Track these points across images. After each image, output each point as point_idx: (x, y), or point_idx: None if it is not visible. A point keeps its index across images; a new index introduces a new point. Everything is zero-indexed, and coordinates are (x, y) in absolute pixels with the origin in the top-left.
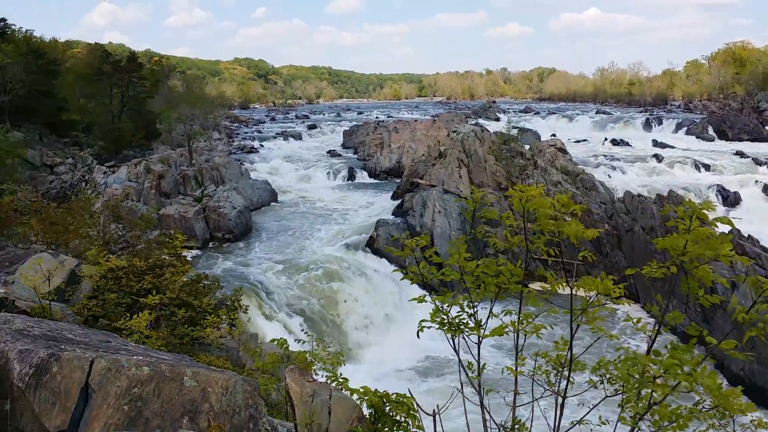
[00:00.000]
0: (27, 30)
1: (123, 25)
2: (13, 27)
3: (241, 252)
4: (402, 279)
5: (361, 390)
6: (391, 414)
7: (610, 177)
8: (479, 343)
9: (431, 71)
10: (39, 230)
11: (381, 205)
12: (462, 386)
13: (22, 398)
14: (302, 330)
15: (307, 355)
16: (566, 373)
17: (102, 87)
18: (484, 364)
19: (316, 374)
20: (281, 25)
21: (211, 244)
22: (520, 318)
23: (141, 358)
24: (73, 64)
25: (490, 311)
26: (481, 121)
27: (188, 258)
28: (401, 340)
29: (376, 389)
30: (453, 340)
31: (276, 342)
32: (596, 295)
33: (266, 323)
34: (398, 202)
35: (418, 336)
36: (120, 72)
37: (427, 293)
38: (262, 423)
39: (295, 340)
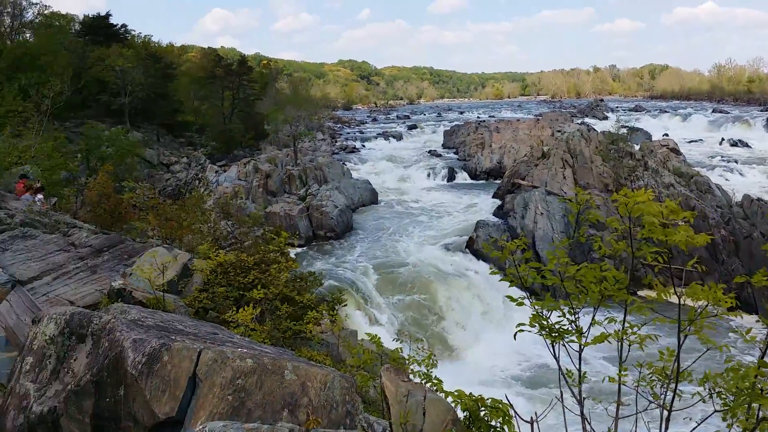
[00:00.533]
0: (146, 35)
1: (234, 30)
2: (133, 32)
3: (342, 250)
4: (500, 281)
5: (456, 393)
6: (486, 419)
7: (727, 180)
8: (580, 351)
9: (535, 69)
10: (155, 225)
11: (481, 206)
12: (561, 394)
13: (134, 385)
14: (399, 329)
15: (401, 354)
16: (672, 385)
17: (214, 90)
18: (585, 372)
19: (412, 373)
20: (384, 26)
21: (313, 242)
22: (624, 327)
23: (245, 350)
24: (188, 68)
25: (593, 318)
26: (587, 120)
27: (292, 255)
28: (499, 343)
29: (471, 393)
30: (553, 346)
31: (371, 339)
32: (706, 305)
33: (365, 321)
34: (499, 203)
35: (515, 338)
36: (231, 75)
37: (527, 297)
38: (358, 419)
39: (392, 339)
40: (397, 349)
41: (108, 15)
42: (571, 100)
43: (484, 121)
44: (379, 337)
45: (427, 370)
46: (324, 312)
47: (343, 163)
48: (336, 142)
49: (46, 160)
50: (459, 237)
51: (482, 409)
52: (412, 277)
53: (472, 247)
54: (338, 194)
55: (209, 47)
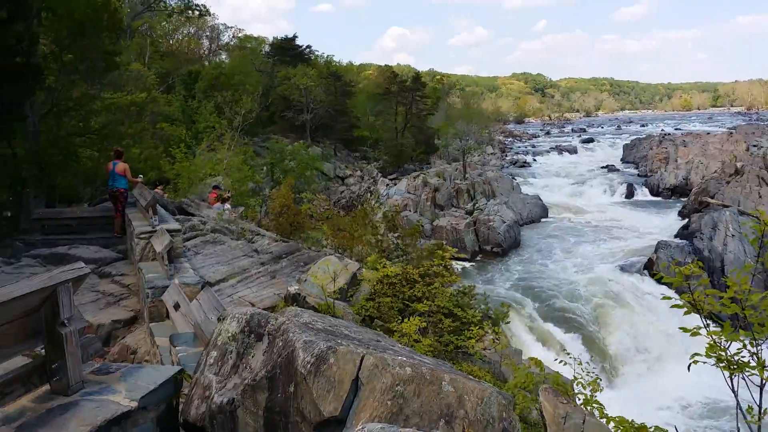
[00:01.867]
0: (328, 55)
1: (410, 47)
2: (317, 53)
3: (508, 266)
4: (672, 307)
5: (617, 419)
6: None
7: None
8: (762, 386)
9: (728, 79)
10: (329, 235)
11: (662, 225)
12: (738, 430)
13: (303, 383)
14: (564, 350)
15: (563, 377)
16: None
17: (389, 105)
18: (766, 409)
19: (575, 396)
20: (561, 37)
21: (479, 257)
22: None
23: (405, 359)
24: (365, 85)
25: None
26: None
27: (457, 269)
28: (672, 372)
29: (633, 420)
30: (731, 379)
31: (532, 361)
32: None
33: (530, 339)
34: (683, 222)
35: (689, 369)
36: (405, 91)
37: (705, 325)
38: None
39: (555, 359)
40: (557, 373)
41: (294, 37)
42: None
43: (669, 134)
44: (541, 360)
45: (591, 394)
46: (487, 329)
47: (513, 178)
48: (506, 156)
49: (235, 172)
50: (636, 258)
51: None
52: (582, 297)
53: (651, 269)
54: (506, 209)
55: (385, 65)
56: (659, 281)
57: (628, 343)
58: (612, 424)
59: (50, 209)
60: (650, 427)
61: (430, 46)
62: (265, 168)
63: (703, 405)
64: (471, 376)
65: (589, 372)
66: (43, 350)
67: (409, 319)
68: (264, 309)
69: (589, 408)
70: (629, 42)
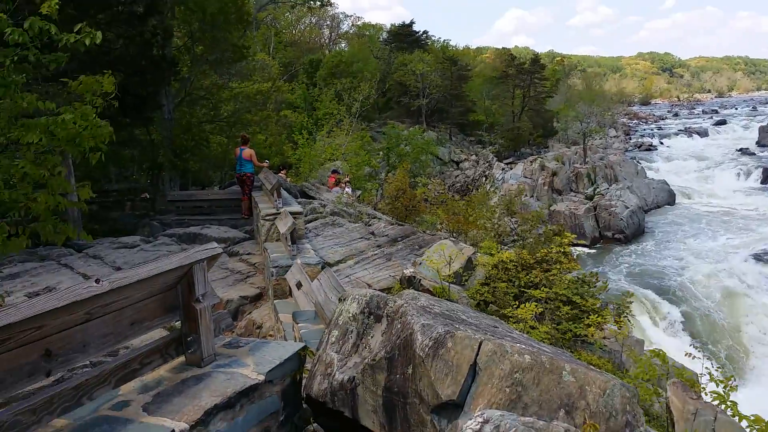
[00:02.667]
0: (444, 40)
1: (529, 29)
2: (433, 38)
3: (631, 254)
4: None
5: (752, 418)
6: None
7: None
8: None
9: None
10: (444, 219)
11: None
12: None
13: (421, 366)
14: (691, 344)
15: (691, 373)
16: None
17: (506, 89)
18: None
19: (704, 392)
20: (691, 15)
21: (599, 243)
22: None
23: (523, 346)
24: (482, 69)
25: None
26: None
27: (575, 255)
28: None
29: None
30: None
31: (653, 353)
32: None
33: (653, 330)
34: None
35: None
36: (523, 74)
37: None
38: (639, 431)
39: (686, 355)
40: (682, 366)
41: (412, 23)
42: None
43: None
44: (665, 352)
45: (724, 392)
46: (608, 317)
47: (637, 162)
48: (630, 139)
49: (353, 157)
50: None
51: None
52: (711, 288)
53: None
54: (629, 194)
55: (503, 48)
56: None
57: (761, 338)
58: (745, 422)
59: (183, 192)
60: None
61: (549, 27)
62: (381, 153)
63: None
64: (592, 366)
65: (719, 367)
66: (179, 324)
67: (525, 305)
68: (380, 290)
69: (722, 406)
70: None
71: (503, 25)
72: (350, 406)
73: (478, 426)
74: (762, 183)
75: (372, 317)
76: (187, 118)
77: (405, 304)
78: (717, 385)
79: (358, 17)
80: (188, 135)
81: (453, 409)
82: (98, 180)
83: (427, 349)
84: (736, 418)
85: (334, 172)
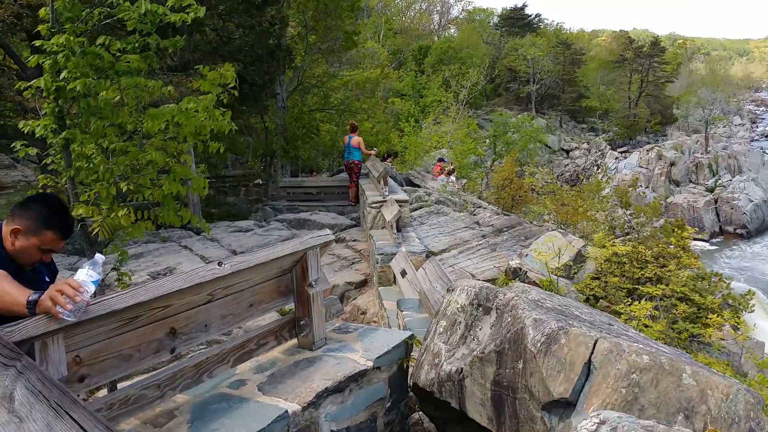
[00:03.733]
0: (558, 23)
1: (649, 9)
2: (546, 21)
3: (754, 250)
4: None
5: None
6: None
7: None
8: None
9: None
10: (552, 210)
11: None
12: None
13: (532, 361)
14: None
15: None
16: None
17: (622, 73)
18: None
19: None
20: None
21: (718, 238)
22: None
23: (641, 346)
24: (597, 53)
25: None
26: None
27: (695, 251)
28: None
29: None
30: None
31: None
32: None
33: None
34: None
35: None
36: (641, 57)
37: None
38: None
39: None
40: None
41: (524, 6)
42: None
43: None
44: None
45: None
46: (727, 317)
47: (764, 152)
48: (756, 127)
49: (459, 145)
50: None
51: None
52: None
53: None
54: (754, 186)
55: (620, 30)
56: None
57: None
58: None
59: (294, 179)
60: None
61: (672, 6)
62: (487, 141)
63: None
64: (714, 370)
65: None
66: (293, 307)
67: (639, 302)
68: (484, 281)
69: None
70: None
71: (622, 6)
72: (457, 397)
73: (594, 426)
74: None
75: (481, 309)
76: (299, 106)
77: (515, 297)
78: None
79: (469, 1)
80: (299, 123)
81: (564, 407)
82: (216, 166)
83: (539, 345)
84: None
85: (440, 160)
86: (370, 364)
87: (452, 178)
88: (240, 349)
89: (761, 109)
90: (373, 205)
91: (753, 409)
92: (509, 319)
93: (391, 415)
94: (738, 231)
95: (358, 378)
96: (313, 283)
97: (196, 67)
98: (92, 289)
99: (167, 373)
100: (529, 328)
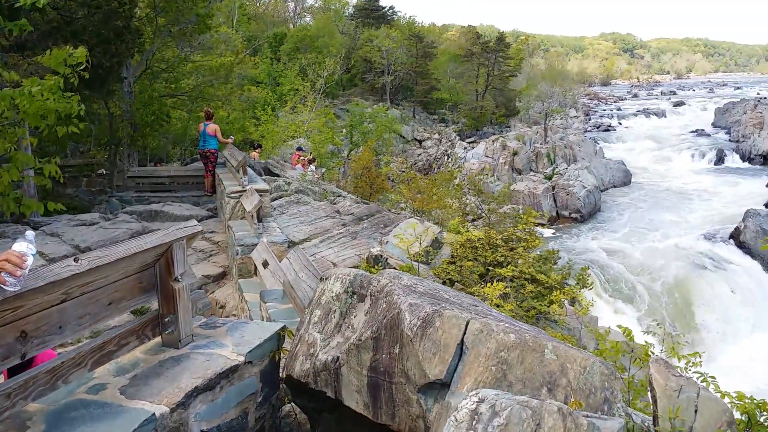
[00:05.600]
0: (410, 16)
1: (495, 7)
2: (399, 14)
3: (587, 233)
4: None
5: (734, 394)
6: (766, 425)
7: None
8: None
9: None
10: (408, 198)
11: (752, 193)
12: None
13: (409, 345)
14: (646, 321)
15: (651, 349)
16: None
17: (470, 67)
18: None
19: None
20: None
21: (556, 222)
22: None
23: (507, 325)
24: (447, 46)
25: None
26: None
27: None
28: (763, 344)
29: (752, 396)
30: None
31: (622, 329)
32: None
33: (607, 308)
34: None
35: None
36: (488, 52)
37: None
38: (616, 408)
39: (643, 332)
40: (646, 342)
41: None
42: None
43: (765, 98)
44: (630, 330)
45: (686, 368)
46: (569, 294)
47: (596, 142)
48: (590, 119)
49: (317, 134)
50: (722, 226)
51: (763, 414)
52: (663, 267)
53: (737, 238)
54: (587, 174)
55: (468, 25)
56: (747, 251)
57: (711, 317)
58: (726, 399)
59: (144, 168)
60: None
61: (515, 5)
62: (344, 130)
63: None
64: (570, 345)
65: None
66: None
67: (492, 284)
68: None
69: (703, 383)
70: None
71: (470, 2)
72: (333, 386)
73: (474, 405)
74: (716, 164)
75: (355, 296)
76: (148, 91)
77: (390, 283)
78: (679, 361)
79: None
80: (148, 109)
81: (440, 388)
82: (53, 155)
83: (415, 329)
84: (718, 394)
85: (299, 149)
86: (242, 358)
87: (312, 167)
88: (99, 351)
89: (594, 102)
90: (232, 195)
91: (607, 379)
92: (384, 305)
93: (262, 409)
94: (573, 215)
95: (229, 374)
96: (179, 277)
97: (35, 48)
98: (31, 261)
99: (18, 380)
100: (405, 313)
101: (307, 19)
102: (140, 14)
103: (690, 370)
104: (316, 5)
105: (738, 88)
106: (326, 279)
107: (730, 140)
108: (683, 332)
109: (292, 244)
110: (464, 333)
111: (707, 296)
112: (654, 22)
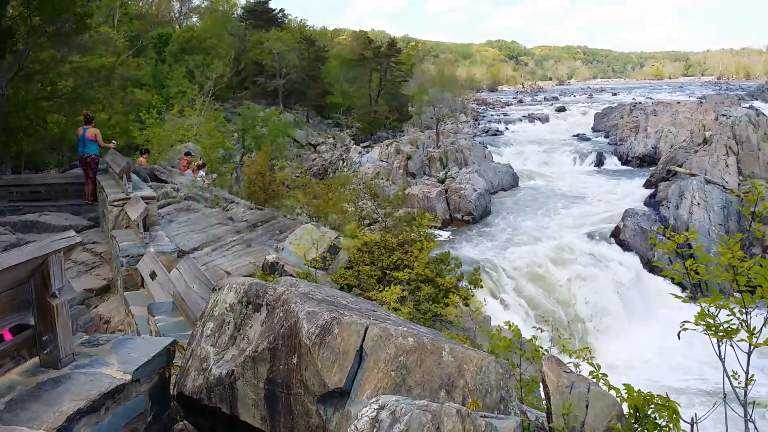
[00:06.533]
0: (301, 20)
1: (386, 13)
2: (290, 17)
3: (479, 234)
4: (662, 274)
5: (623, 388)
6: (653, 416)
7: None
8: (749, 352)
9: (700, 48)
10: (304, 203)
11: (630, 193)
12: (725, 396)
13: (307, 354)
14: (535, 317)
15: (538, 344)
16: None
17: (363, 72)
18: (753, 375)
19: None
20: (538, 5)
21: (450, 225)
22: None
23: (405, 329)
24: (339, 51)
25: (766, 318)
26: (756, 103)
27: (436, 237)
28: (642, 338)
29: (639, 389)
30: (719, 345)
31: (509, 326)
32: None
33: (499, 307)
34: (651, 191)
35: (679, 338)
36: (379, 57)
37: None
38: (512, 406)
39: (533, 327)
40: (534, 337)
41: (268, 0)
42: (740, 81)
43: (640, 103)
44: (518, 327)
45: (575, 360)
46: (462, 295)
47: (485, 146)
48: (479, 124)
49: (207, 139)
50: (604, 225)
51: (650, 406)
52: (550, 265)
53: (617, 236)
54: (478, 177)
55: (360, 30)
56: (626, 248)
57: (595, 311)
58: (614, 393)
59: (18, 176)
60: (655, 396)
61: (405, 12)
62: (235, 134)
63: (677, 371)
64: (467, 346)
65: (565, 339)
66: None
67: (389, 288)
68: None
69: (593, 378)
70: (604, 10)
71: (360, 8)
72: (228, 401)
73: (374, 413)
74: (596, 166)
75: (251, 306)
76: (21, 94)
77: (286, 291)
78: (570, 356)
79: None
80: (22, 113)
81: (339, 397)
82: None
83: (313, 337)
84: (606, 387)
85: (187, 154)
86: (128, 377)
87: (201, 173)
88: None
89: (482, 107)
90: (116, 203)
91: (502, 378)
92: (281, 314)
93: (152, 429)
94: (465, 217)
95: (114, 394)
96: (57, 292)
97: None
98: None
99: None
100: (303, 321)
101: (194, 19)
102: (12, 12)
103: (580, 365)
104: (203, 5)
105: (615, 94)
106: (219, 289)
107: (609, 143)
108: (571, 328)
109: (182, 253)
110: (363, 339)
111: (592, 293)
112: (537, 32)
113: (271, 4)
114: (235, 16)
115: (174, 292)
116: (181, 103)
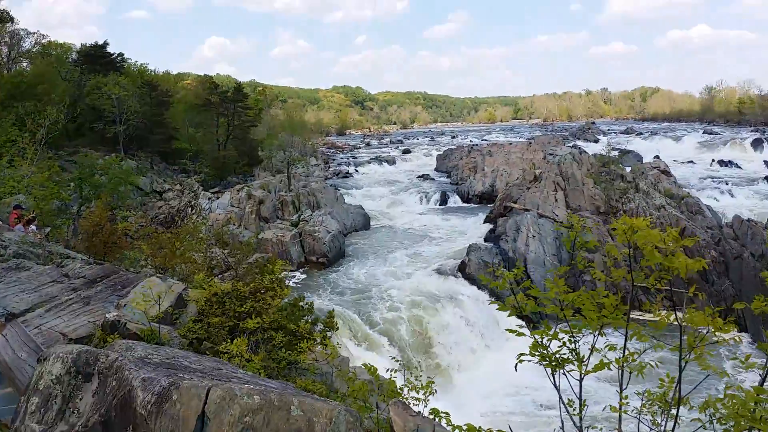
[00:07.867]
0: (142, 64)
1: (231, 57)
2: (130, 61)
3: (334, 276)
4: (498, 309)
5: (465, 427)
6: None
7: (717, 200)
8: (581, 380)
9: (528, 93)
10: (149, 254)
11: (473, 229)
12: (562, 423)
13: (144, 425)
14: (392, 357)
15: (397, 384)
16: (673, 411)
17: (209, 117)
18: (585, 401)
19: (409, 402)
20: (380, 52)
21: (305, 268)
22: (625, 354)
23: (252, 387)
24: (184, 95)
25: (592, 346)
26: (579, 143)
27: (289, 283)
28: (493, 369)
29: (480, 426)
30: (553, 375)
31: (367, 368)
32: (707, 331)
33: (356, 348)
34: (491, 226)
35: (516, 369)
36: (226, 102)
37: (524, 324)
38: None
39: (386, 369)
40: (391, 378)
41: (105, 44)
42: (563, 123)
43: (476, 145)
44: (375, 367)
45: (424, 396)
46: (317, 339)
47: (336, 189)
48: (329, 167)
49: (39, 190)
50: (451, 261)
51: None
52: (403, 303)
53: (464, 271)
54: (331, 220)
55: (205, 74)
56: (472, 282)
57: (448, 344)
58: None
59: None
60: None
61: (251, 56)
62: (72, 184)
63: (528, 399)
64: (318, 397)
65: (417, 376)
66: None
67: (237, 339)
68: (78, 339)
69: (437, 419)
70: (442, 58)
71: (205, 52)
72: None
73: None
74: (441, 204)
75: (80, 377)
76: None
77: (120, 358)
78: (417, 392)
79: (43, 35)
80: None
81: None
82: None
83: (149, 406)
84: (450, 428)
85: (17, 207)
86: None
87: (33, 227)
88: None
89: (332, 151)
90: None
91: (353, 426)
92: (114, 383)
93: None
94: (320, 260)
95: None
96: None
97: None
98: None
99: None
100: (138, 390)
101: (24, 64)
102: None
103: (428, 399)
104: (35, 50)
105: (454, 137)
106: (44, 360)
107: (451, 183)
108: (424, 363)
109: (11, 316)
110: (205, 403)
111: (443, 326)
112: (380, 79)
113: (110, 49)
114: (70, 60)
115: (1, 361)
116: (11, 152)
